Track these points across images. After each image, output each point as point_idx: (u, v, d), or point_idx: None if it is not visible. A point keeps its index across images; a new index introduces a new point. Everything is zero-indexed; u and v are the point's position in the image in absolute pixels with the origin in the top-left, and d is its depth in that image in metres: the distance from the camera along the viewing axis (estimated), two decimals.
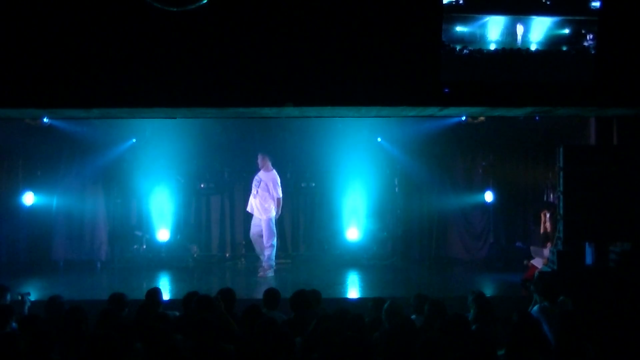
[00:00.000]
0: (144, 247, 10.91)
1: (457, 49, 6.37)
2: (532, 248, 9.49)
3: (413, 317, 5.45)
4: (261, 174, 9.81)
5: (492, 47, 6.43)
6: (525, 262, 9.54)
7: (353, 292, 8.95)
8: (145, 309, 5.74)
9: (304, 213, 11.55)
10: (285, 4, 6.30)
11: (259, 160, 9.86)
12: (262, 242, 9.68)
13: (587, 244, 7.95)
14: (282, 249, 10.79)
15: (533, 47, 6.46)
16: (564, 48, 6.48)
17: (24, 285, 8.04)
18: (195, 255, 10.88)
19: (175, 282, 9.45)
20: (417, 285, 9.17)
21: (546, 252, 8.85)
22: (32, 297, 6.58)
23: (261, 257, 9.75)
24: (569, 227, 7.73)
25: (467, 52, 6.39)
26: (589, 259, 7.95)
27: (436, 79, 6.46)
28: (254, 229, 9.84)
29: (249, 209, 9.95)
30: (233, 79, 6.41)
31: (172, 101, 6.55)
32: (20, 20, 6.22)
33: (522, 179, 11.22)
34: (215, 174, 11.31)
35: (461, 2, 6.24)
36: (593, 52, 6.46)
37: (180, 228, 11.15)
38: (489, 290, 8.40)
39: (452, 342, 4.32)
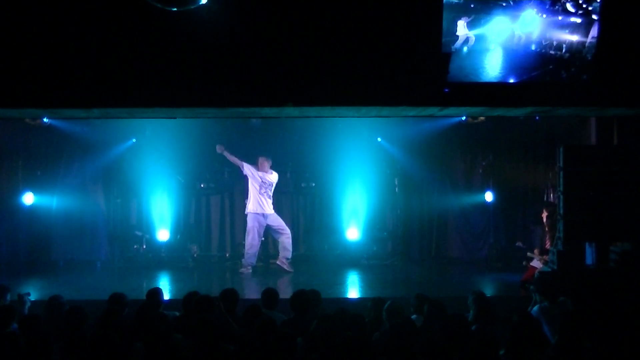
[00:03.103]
0: (144, 247, 10.92)
1: (457, 49, 6.36)
2: (528, 254, 9.44)
3: (413, 317, 5.45)
4: (270, 177, 9.98)
5: (492, 47, 6.43)
6: (524, 263, 9.53)
7: (353, 292, 8.95)
8: (145, 309, 5.74)
9: (303, 213, 11.57)
10: (285, 4, 6.30)
11: (264, 163, 9.95)
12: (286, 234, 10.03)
13: (587, 244, 7.94)
14: None
15: (533, 47, 6.45)
16: (564, 48, 6.48)
17: (24, 285, 8.04)
18: (195, 255, 10.88)
19: (175, 282, 9.45)
20: (417, 285, 9.16)
21: (537, 262, 8.79)
22: (32, 297, 6.57)
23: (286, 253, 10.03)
24: (569, 227, 7.72)
25: (467, 52, 6.38)
26: (589, 259, 7.94)
27: (436, 79, 6.46)
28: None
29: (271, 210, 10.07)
30: (233, 79, 6.40)
31: (172, 101, 6.54)
32: (20, 20, 6.21)
33: (522, 179, 11.22)
34: (215, 174, 11.31)
35: (461, 2, 6.23)
36: (593, 52, 6.45)
37: (180, 228, 11.16)
38: (489, 290, 8.40)
39: (452, 342, 4.32)
